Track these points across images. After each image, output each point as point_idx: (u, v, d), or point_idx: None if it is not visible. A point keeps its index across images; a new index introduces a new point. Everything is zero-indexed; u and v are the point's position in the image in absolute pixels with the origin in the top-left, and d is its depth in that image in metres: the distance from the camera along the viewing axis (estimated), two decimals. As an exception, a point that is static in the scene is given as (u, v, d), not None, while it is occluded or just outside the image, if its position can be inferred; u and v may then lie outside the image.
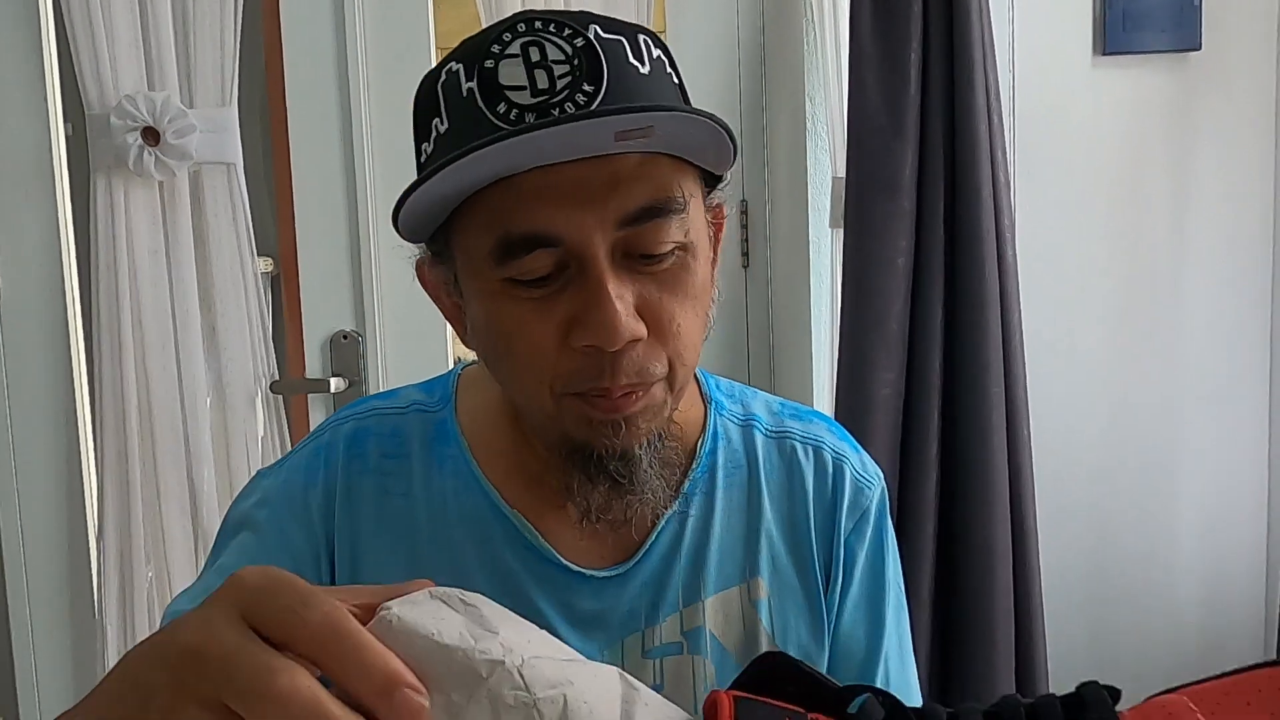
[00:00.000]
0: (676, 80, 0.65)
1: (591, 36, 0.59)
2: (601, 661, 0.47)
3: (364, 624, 0.39)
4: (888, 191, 1.44)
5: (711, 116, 0.58)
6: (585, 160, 0.58)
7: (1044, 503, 1.54)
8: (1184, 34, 1.60)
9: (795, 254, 1.62)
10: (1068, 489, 1.66)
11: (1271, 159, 1.67)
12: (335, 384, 1.60)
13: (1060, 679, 1.54)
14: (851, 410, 1.46)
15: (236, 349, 1.59)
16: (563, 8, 1.48)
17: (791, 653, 0.72)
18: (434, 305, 0.72)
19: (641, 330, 0.60)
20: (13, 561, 1.62)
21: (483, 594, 0.42)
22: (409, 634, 0.38)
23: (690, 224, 0.62)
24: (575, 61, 0.58)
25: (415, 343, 1.61)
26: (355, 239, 1.60)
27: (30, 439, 1.61)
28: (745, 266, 1.64)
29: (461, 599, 0.41)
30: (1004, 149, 1.47)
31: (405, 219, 0.61)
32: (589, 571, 0.70)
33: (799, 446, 0.76)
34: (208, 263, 1.57)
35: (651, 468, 0.65)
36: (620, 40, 0.61)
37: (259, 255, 1.60)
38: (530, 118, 0.58)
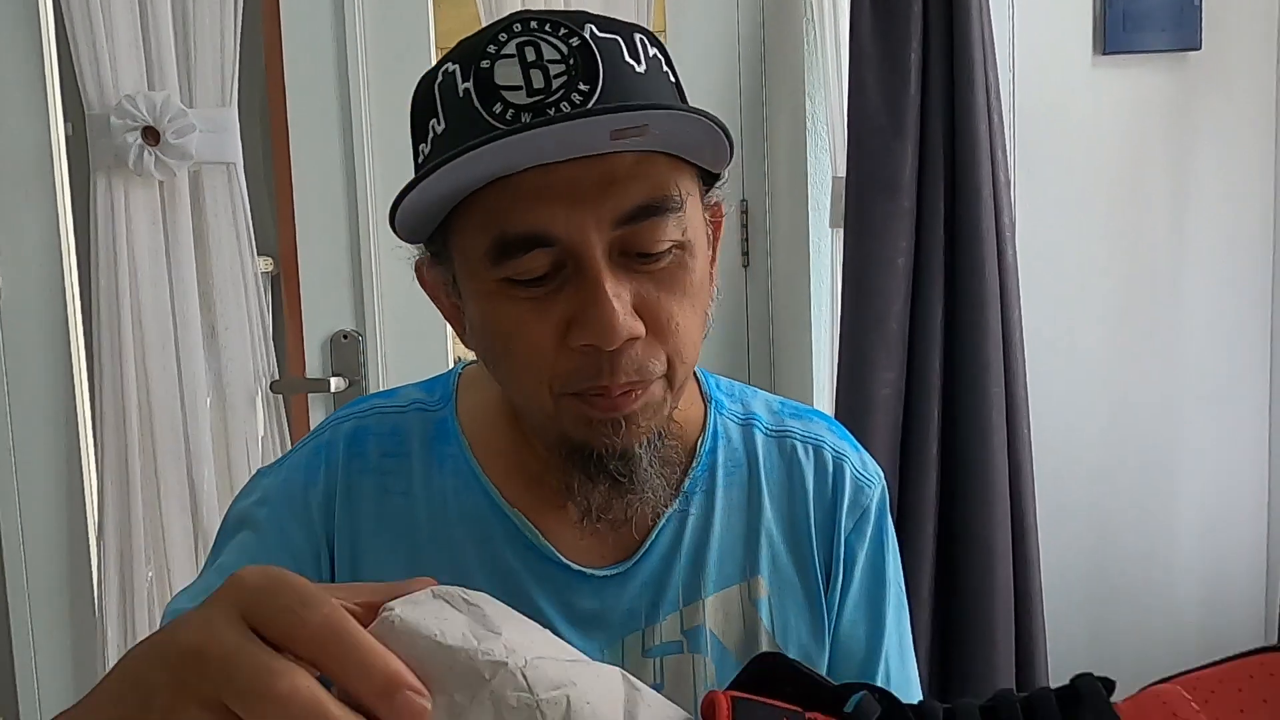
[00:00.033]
0: (673, 79, 0.65)
1: (587, 36, 0.59)
2: (602, 660, 0.47)
3: (366, 623, 0.39)
4: (888, 191, 1.44)
5: (707, 114, 0.58)
6: (581, 159, 0.58)
7: (1044, 502, 1.54)
8: (1184, 34, 1.60)
9: (795, 254, 1.62)
10: (1068, 488, 1.66)
11: (1271, 159, 1.67)
12: (335, 384, 1.60)
13: (1060, 678, 1.53)
14: (851, 410, 1.46)
15: (236, 348, 1.59)
16: (562, 7, 1.48)
17: (792, 652, 0.72)
18: (434, 305, 0.72)
19: (639, 329, 0.60)
20: (13, 561, 1.62)
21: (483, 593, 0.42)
22: (411, 635, 0.38)
23: (687, 222, 0.62)
24: (571, 61, 0.58)
25: (415, 342, 1.62)
26: (355, 238, 1.60)
27: (30, 438, 1.61)
28: (745, 266, 1.64)
29: (464, 598, 0.41)
30: (1004, 148, 1.47)
31: (403, 219, 0.61)
32: (589, 570, 0.70)
33: (799, 445, 0.76)
34: (208, 262, 1.57)
35: (651, 466, 0.65)
36: (616, 39, 0.61)
37: (259, 255, 1.60)
38: (526, 117, 0.58)
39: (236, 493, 0.77)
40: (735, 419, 0.77)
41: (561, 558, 0.70)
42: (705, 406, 0.77)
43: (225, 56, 1.54)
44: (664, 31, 1.61)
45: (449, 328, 0.71)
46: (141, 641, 0.41)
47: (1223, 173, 1.66)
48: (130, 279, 1.54)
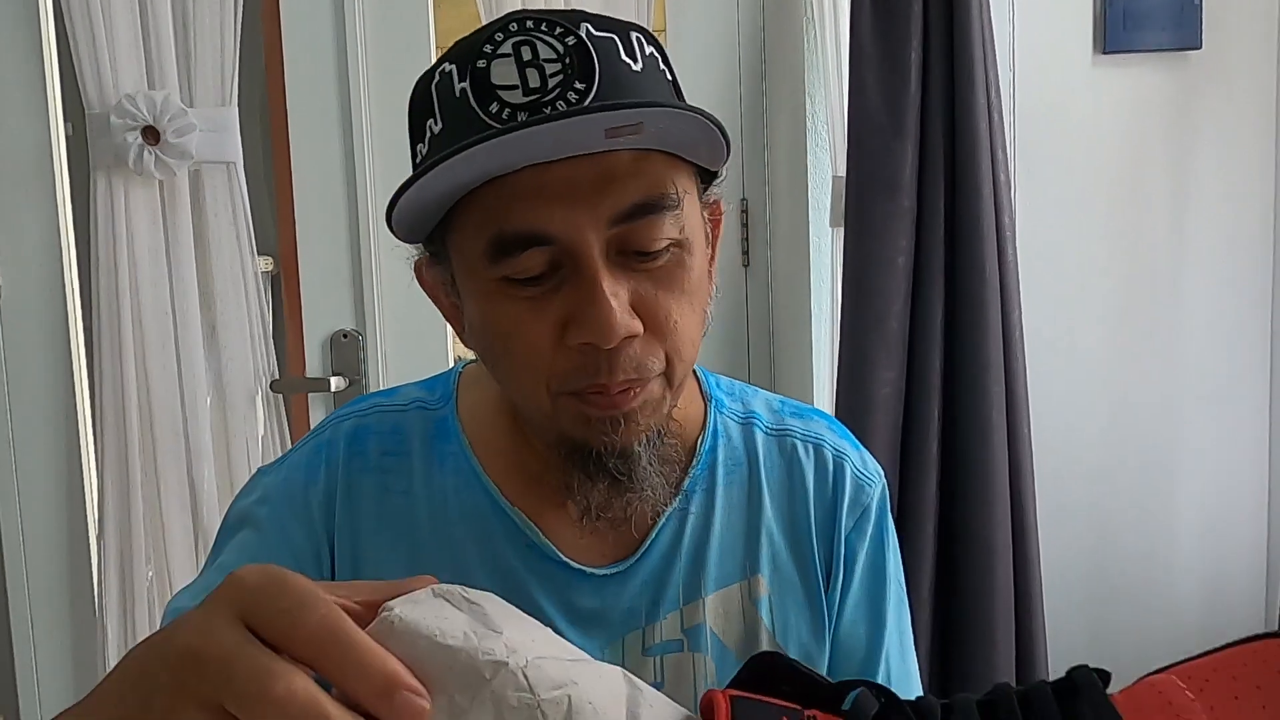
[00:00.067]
0: (670, 77, 0.65)
1: (583, 35, 0.59)
2: (602, 659, 0.47)
3: (366, 622, 0.39)
4: (888, 190, 1.44)
5: (702, 112, 0.58)
6: (578, 158, 0.58)
7: (1044, 502, 1.54)
8: (1184, 33, 1.60)
9: (795, 253, 1.62)
10: (1068, 488, 1.66)
11: (1272, 158, 1.67)
12: (335, 383, 1.60)
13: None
14: (852, 409, 1.46)
15: (237, 348, 1.59)
16: (560, 7, 1.48)
17: (792, 651, 0.72)
18: (434, 305, 0.72)
19: (637, 327, 0.60)
20: (13, 560, 1.62)
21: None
22: (411, 635, 0.38)
23: (685, 220, 0.62)
24: (567, 60, 0.58)
25: (415, 342, 1.61)
26: (355, 238, 1.60)
27: (31, 438, 1.61)
28: (745, 265, 1.64)
29: (465, 596, 0.41)
30: (1004, 148, 1.47)
31: (400, 219, 0.61)
32: (589, 569, 0.70)
33: (799, 444, 0.76)
34: (208, 262, 1.57)
35: (651, 465, 0.65)
36: (612, 38, 0.61)
37: (259, 254, 1.60)
38: (522, 117, 0.58)
39: (236, 492, 0.77)
40: (735, 418, 0.77)
41: (562, 556, 0.70)
42: (705, 405, 0.77)
43: (225, 56, 1.54)
44: (664, 31, 1.61)
45: (449, 327, 0.71)
46: (141, 642, 0.41)
47: (1223, 172, 1.66)
48: (130, 278, 1.54)
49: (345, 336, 1.62)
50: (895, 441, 1.47)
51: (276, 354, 1.62)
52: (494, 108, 0.58)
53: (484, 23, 1.37)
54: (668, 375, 0.63)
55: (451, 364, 1.09)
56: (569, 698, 0.38)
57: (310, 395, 1.64)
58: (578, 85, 0.58)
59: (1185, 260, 1.67)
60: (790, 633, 0.73)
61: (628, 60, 0.61)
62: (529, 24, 0.60)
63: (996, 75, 1.46)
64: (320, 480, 0.72)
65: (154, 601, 1.60)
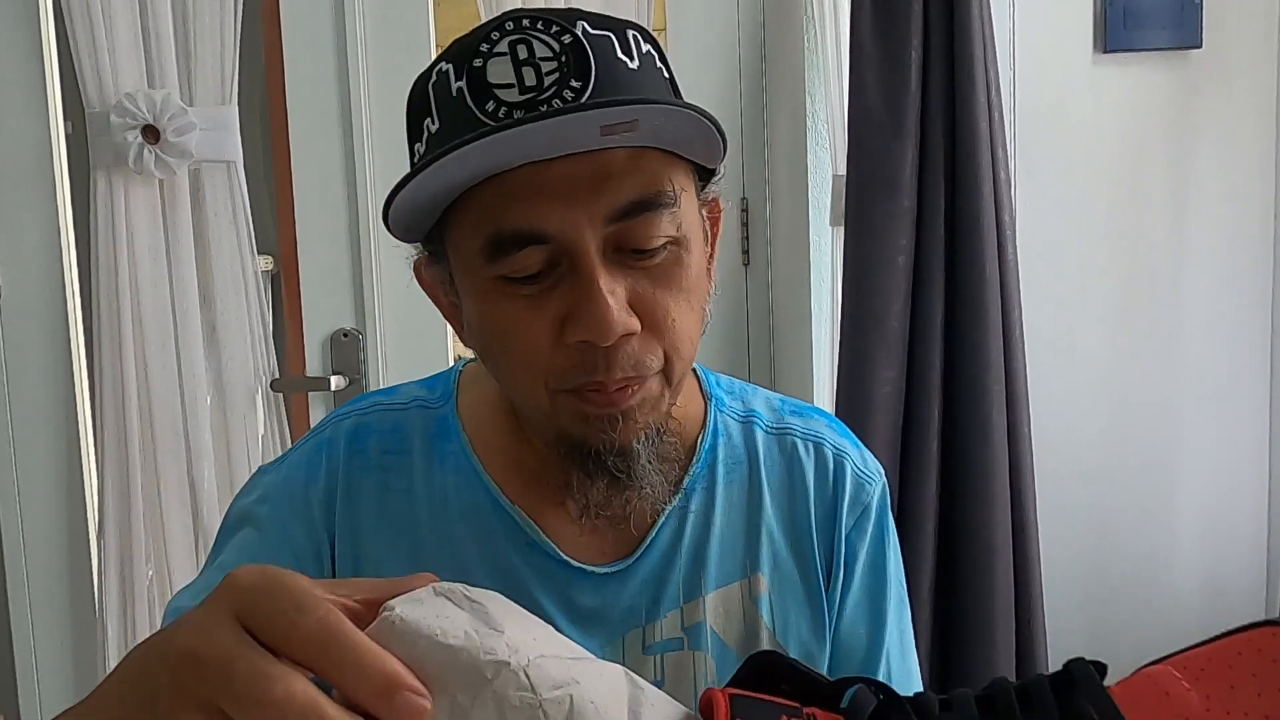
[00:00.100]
0: (667, 75, 0.65)
1: (579, 33, 0.59)
2: (602, 657, 0.47)
3: (367, 620, 0.39)
4: (888, 190, 1.44)
5: (698, 109, 0.58)
6: (574, 156, 0.58)
7: (1044, 501, 1.54)
8: (1185, 32, 1.60)
9: (795, 252, 1.62)
10: (1068, 487, 1.66)
11: (1272, 158, 1.67)
12: (335, 382, 1.60)
13: (1060, 677, 1.54)
14: (852, 409, 1.46)
15: (237, 347, 1.59)
16: (560, 5, 1.48)
17: (792, 649, 0.72)
18: (433, 304, 0.72)
19: (635, 324, 0.60)
20: (13, 559, 1.62)
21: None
22: (412, 635, 0.38)
23: (682, 218, 0.62)
24: (563, 58, 0.59)
25: (415, 341, 1.61)
26: (355, 237, 1.60)
27: (31, 437, 1.61)
28: (746, 265, 1.64)
29: (466, 595, 0.41)
30: (1004, 147, 1.47)
31: (398, 218, 0.61)
32: (590, 567, 0.70)
33: (800, 443, 0.76)
34: (208, 261, 1.57)
35: (650, 463, 0.65)
36: (608, 36, 0.61)
37: (259, 253, 1.60)
38: (518, 115, 0.58)
39: (237, 491, 0.77)
40: (736, 416, 0.77)
41: (562, 555, 0.70)
42: (705, 404, 0.77)
43: (225, 55, 1.54)
44: (664, 30, 1.61)
45: (449, 326, 0.71)
46: (142, 642, 0.41)
47: (1223, 171, 1.66)
48: (130, 277, 1.54)
49: (345, 335, 1.62)
50: (895, 441, 1.47)
51: (276, 353, 1.62)
52: (490, 106, 0.59)
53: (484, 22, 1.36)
54: (666, 373, 0.63)
55: (452, 363, 1.09)
56: (571, 697, 0.38)
57: (310, 394, 1.64)
58: (573, 83, 0.58)
59: (1185, 259, 1.67)
60: (790, 631, 0.73)
61: (624, 58, 0.61)
62: (525, 23, 0.60)
63: (997, 74, 1.46)
64: (321, 479, 0.72)
65: (154, 600, 1.60)
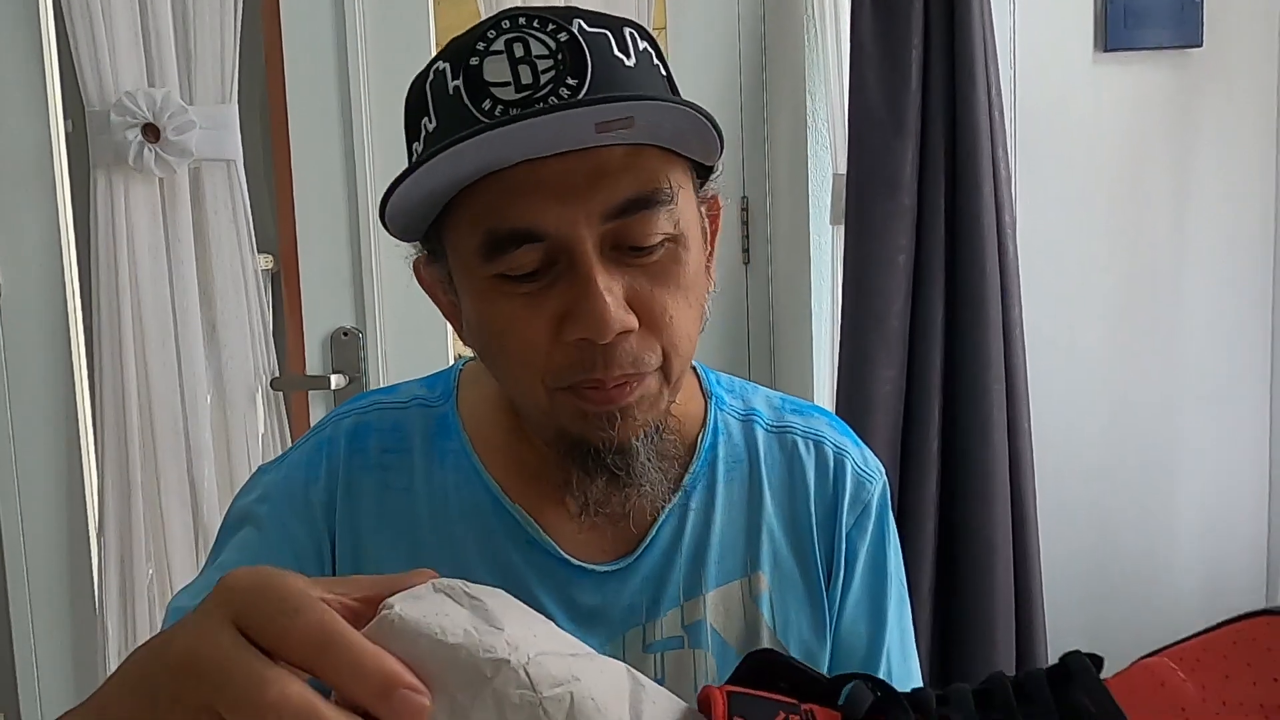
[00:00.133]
0: (665, 73, 0.65)
1: (575, 31, 0.59)
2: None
3: (366, 617, 0.39)
4: (888, 188, 1.44)
5: (693, 105, 0.58)
6: (570, 154, 0.58)
7: (1044, 500, 1.54)
8: (1185, 31, 1.60)
9: (796, 251, 1.62)
10: (1068, 486, 1.66)
11: (1273, 157, 1.67)
12: (336, 381, 1.60)
13: (1060, 676, 1.54)
14: (852, 407, 1.46)
15: (237, 346, 1.59)
16: (556, 4, 1.48)
17: (793, 647, 0.72)
18: (433, 302, 0.72)
19: (632, 322, 0.60)
20: (14, 557, 1.62)
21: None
22: (411, 633, 0.37)
23: (680, 215, 0.62)
24: (559, 56, 0.59)
25: (415, 339, 1.61)
26: (355, 236, 1.60)
27: (31, 435, 1.61)
28: (746, 264, 1.64)
29: (466, 591, 0.41)
30: (1005, 146, 1.47)
31: (395, 216, 0.61)
32: (590, 566, 0.70)
33: (800, 441, 0.76)
34: (208, 259, 1.57)
35: (650, 460, 0.65)
36: (605, 33, 0.61)
37: (259, 252, 1.60)
38: (515, 113, 0.58)
39: (236, 490, 0.77)
40: (736, 415, 0.77)
41: (562, 553, 0.70)
42: (706, 402, 0.77)
43: (225, 53, 1.53)
44: (664, 29, 1.61)
45: (449, 325, 0.71)
46: (141, 645, 0.42)
47: (1224, 171, 1.66)
48: (130, 276, 1.54)
49: (345, 334, 1.61)
50: (895, 440, 1.47)
51: (277, 352, 1.62)
52: (487, 104, 0.59)
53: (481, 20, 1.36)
54: (665, 370, 0.63)
55: (452, 361, 1.09)
56: (571, 695, 0.38)
57: (310, 393, 1.64)
58: (570, 81, 0.58)
59: (1186, 258, 1.67)
60: (791, 629, 0.73)
61: (620, 56, 0.61)
62: (521, 21, 0.60)
63: (997, 73, 1.46)
64: (321, 478, 0.72)
65: (154, 599, 1.60)
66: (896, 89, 1.43)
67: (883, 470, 0.79)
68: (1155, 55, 1.62)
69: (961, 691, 0.44)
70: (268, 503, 0.72)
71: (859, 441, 0.80)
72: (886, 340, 1.45)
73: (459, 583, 0.41)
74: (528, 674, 0.37)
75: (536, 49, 0.59)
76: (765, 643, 0.72)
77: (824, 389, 1.62)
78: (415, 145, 0.65)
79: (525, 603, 0.43)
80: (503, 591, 0.42)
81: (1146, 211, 1.65)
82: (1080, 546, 1.68)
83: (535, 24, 0.60)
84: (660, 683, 0.68)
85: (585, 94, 0.58)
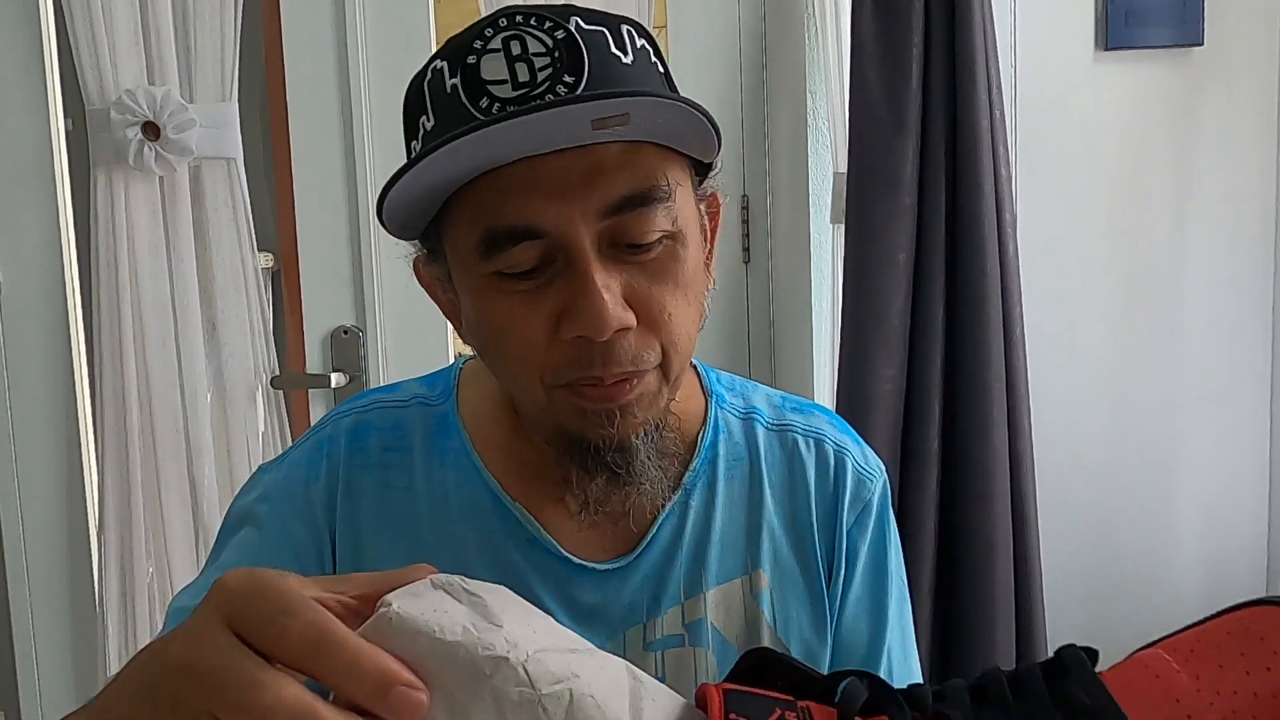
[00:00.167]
0: (662, 70, 0.65)
1: (572, 28, 0.59)
2: (603, 654, 0.47)
3: (364, 614, 0.39)
4: (889, 187, 1.44)
5: (689, 102, 0.57)
6: (568, 151, 0.58)
7: (1045, 499, 1.54)
8: (1186, 29, 1.60)
9: (796, 250, 1.62)
10: (1069, 485, 1.66)
11: (1274, 156, 1.67)
12: (336, 379, 1.60)
13: (1060, 675, 1.54)
14: (852, 406, 1.46)
15: (237, 344, 1.59)
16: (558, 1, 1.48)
17: (794, 646, 0.72)
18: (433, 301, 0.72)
19: (630, 319, 0.60)
20: (14, 555, 1.62)
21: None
22: (409, 631, 0.37)
23: (678, 212, 0.62)
24: (556, 54, 0.59)
25: (416, 338, 1.61)
26: (356, 234, 1.60)
27: (31, 434, 1.61)
28: (746, 262, 1.64)
29: (464, 588, 0.40)
30: (1005, 144, 1.47)
31: (392, 214, 0.61)
32: (590, 564, 0.70)
33: (800, 439, 0.76)
34: (208, 258, 1.57)
35: (649, 458, 0.65)
36: (602, 31, 0.61)
37: (259, 250, 1.60)
38: (511, 110, 0.58)
39: (237, 488, 0.77)
40: (736, 413, 0.77)
41: (563, 551, 0.70)
42: (706, 400, 0.77)
43: (225, 51, 1.53)
44: (665, 28, 1.61)
45: (449, 323, 0.71)
46: (143, 649, 0.42)
47: (1224, 170, 1.66)
48: (130, 274, 1.54)
49: (345, 332, 1.61)
50: (896, 438, 1.47)
51: (277, 350, 1.62)
52: (484, 102, 0.59)
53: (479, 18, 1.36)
54: (664, 368, 0.63)
55: (452, 360, 1.09)
56: (570, 692, 0.38)
57: (311, 391, 1.64)
58: (567, 78, 0.58)
59: (1186, 258, 1.67)
60: (792, 628, 0.73)
61: (618, 53, 0.61)
62: (518, 19, 0.60)
63: (998, 72, 1.46)
64: (321, 476, 0.72)
65: (154, 597, 1.60)
66: (897, 88, 1.43)
67: (883, 468, 0.79)
68: (1156, 54, 1.62)
69: (957, 687, 0.44)
70: (268, 502, 0.72)
71: (859, 440, 0.80)
72: (887, 339, 1.45)
73: (457, 579, 0.41)
74: (526, 671, 0.37)
75: (534, 47, 0.59)
76: (766, 641, 0.72)
77: (824, 388, 1.62)
78: (413, 144, 0.65)
79: (526, 601, 0.43)
80: (502, 587, 0.42)
81: (1147, 210, 1.65)
82: (1080, 546, 1.68)
83: (532, 22, 0.60)
84: (661, 681, 0.68)
85: (582, 91, 0.58)
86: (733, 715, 0.41)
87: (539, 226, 0.58)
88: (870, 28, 1.44)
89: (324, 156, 1.59)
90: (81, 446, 1.62)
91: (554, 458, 0.67)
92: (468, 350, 0.74)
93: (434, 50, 0.65)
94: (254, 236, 1.58)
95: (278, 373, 1.62)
